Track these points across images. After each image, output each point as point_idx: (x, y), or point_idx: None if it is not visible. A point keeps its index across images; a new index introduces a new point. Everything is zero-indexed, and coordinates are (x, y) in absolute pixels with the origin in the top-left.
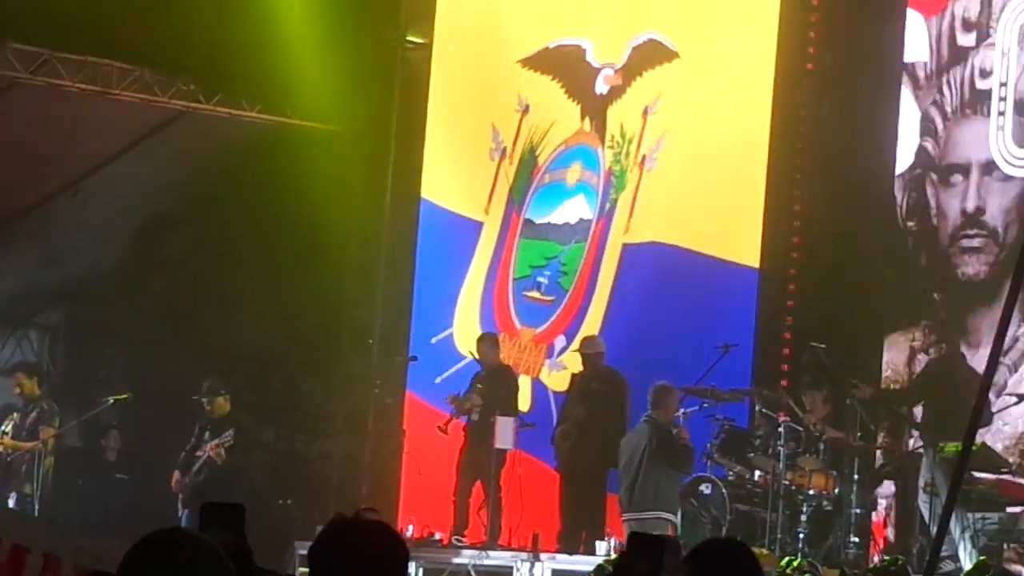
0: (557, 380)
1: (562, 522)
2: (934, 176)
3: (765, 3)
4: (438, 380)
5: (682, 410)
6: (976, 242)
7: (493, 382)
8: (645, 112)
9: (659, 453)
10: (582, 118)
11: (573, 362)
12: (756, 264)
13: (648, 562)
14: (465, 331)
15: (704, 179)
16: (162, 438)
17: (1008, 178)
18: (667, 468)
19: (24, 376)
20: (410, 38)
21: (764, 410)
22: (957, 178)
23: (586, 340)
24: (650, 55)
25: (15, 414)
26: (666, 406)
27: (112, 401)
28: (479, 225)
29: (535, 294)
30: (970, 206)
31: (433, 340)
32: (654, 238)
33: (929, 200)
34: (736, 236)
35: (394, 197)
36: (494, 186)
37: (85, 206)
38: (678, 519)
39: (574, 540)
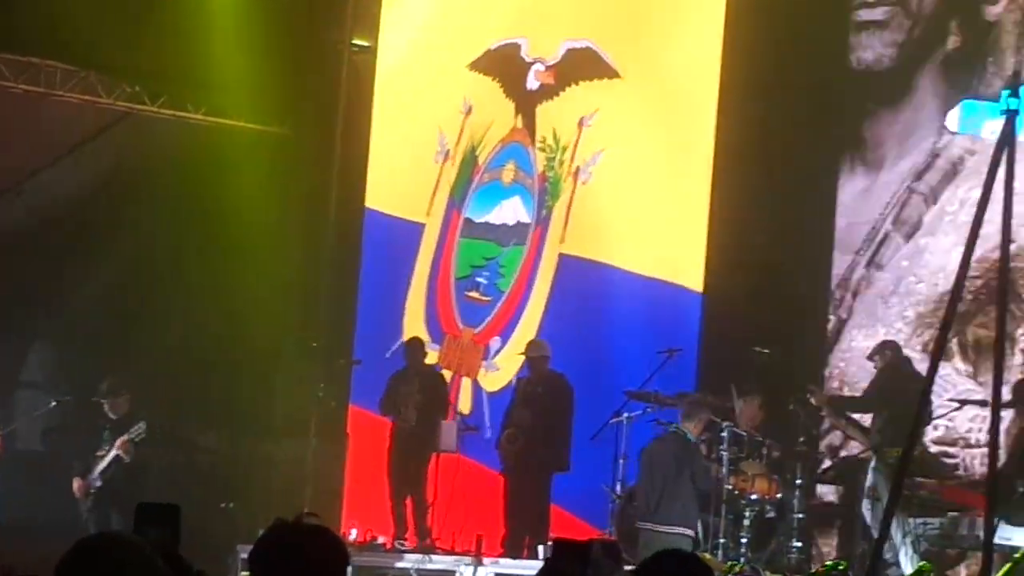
0: (491, 381)
1: (506, 526)
2: None
3: (707, 23)
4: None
5: (626, 414)
6: (879, 12)
7: (427, 384)
8: (581, 123)
9: (686, 468)
10: (515, 115)
11: (507, 363)
12: (699, 287)
13: (572, 568)
14: (414, 334)
15: (645, 200)
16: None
17: None
18: (691, 484)
19: None
20: (355, 41)
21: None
22: None
23: (532, 343)
24: (587, 64)
25: None
26: (697, 419)
27: (55, 404)
28: (421, 227)
29: (474, 294)
30: None
31: (387, 355)
32: (591, 255)
33: None
34: (678, 258)
35: (339, 200)
36: (436, 188)
37: (29, 206)
38: (699, 531)
39: (518, 545)
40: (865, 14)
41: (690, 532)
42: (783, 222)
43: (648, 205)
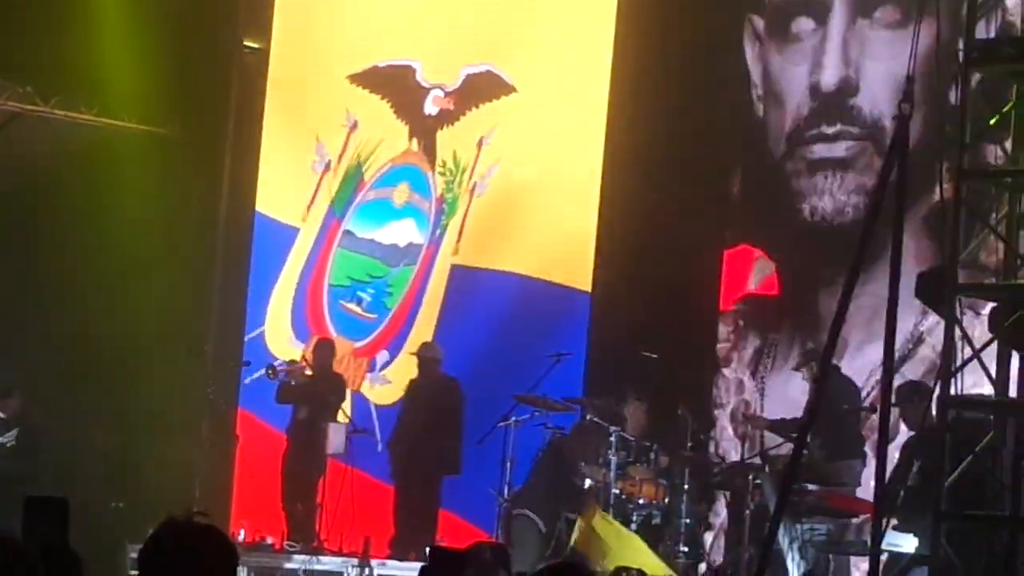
0: (381, 394)
1: (395, 528)
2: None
3: (599, 33)
4: (247, 381)
5: (513, 418)
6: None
7: (325, 388)
8: (480, 143)
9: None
10: (410, 138)
11: (397, 376)
12: (588, 287)
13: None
14: (277, 332)
15: (536, 207)
16: None
17: None
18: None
19: None
20: (247, 42)
21: (595, 419)
22: None
23: (424, 345)
24: (486, 87)
25: None
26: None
27: None
28: (295, 231)
29: (355, 307)
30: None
31: (246, 338)
32: (486, 264)
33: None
34: (568, 260)
35: (229, 203)
36: (315, 196)
37: None
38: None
39: (405, 547)
40: None
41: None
42: (671, 226)
43: (540, 210)
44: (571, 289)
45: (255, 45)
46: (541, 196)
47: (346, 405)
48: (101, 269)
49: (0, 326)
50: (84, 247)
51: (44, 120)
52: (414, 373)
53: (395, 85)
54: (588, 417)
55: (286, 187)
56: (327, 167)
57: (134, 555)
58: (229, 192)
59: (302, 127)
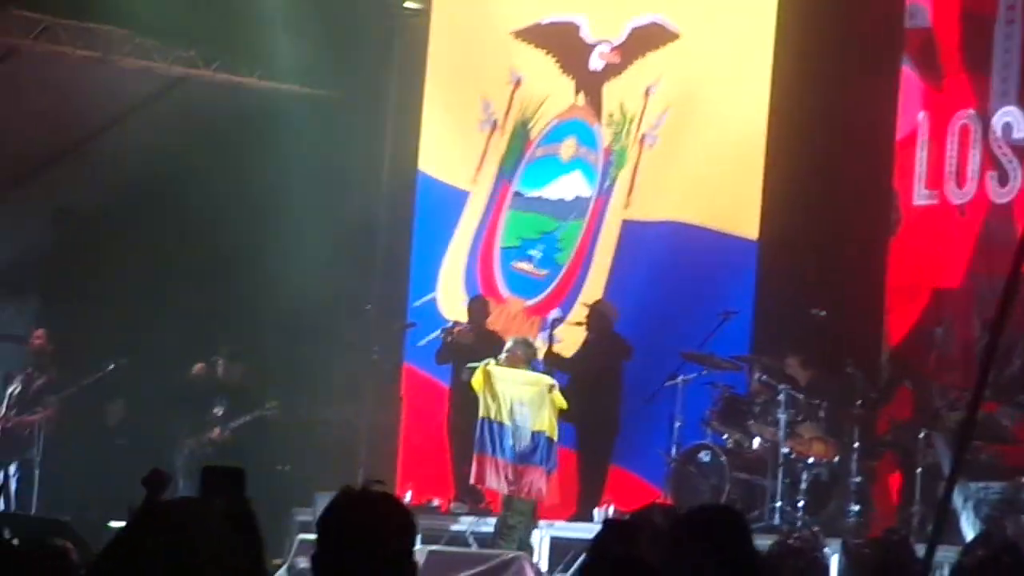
0: (561, 348)
1: (569, 489)
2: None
3: None
4: (422, 343)
5: (681, 376)
6: None
7: (482, 346)
8: (647, 92)
9: None
10: (576, 93)
11: (568, 335)
12: (755, 236)
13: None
14: (449, 296)
15: (704, 154)
16: (163, 404)
17: None
18: None
19: (45, 333)
20: (408, 4)
21: (763, 378)
22: None
23: (598, 303)
24: (652, 37)
25: (17, 380)
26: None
27: (112, 367)
28: (466, 195)
29: (526, 266)
30: None
31: (416, 304)
32: (656, 215)
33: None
34: (736, 209)
35: (391, 165)
36: (483, 157)
37: (86, 172)
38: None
39: (578, 507)
40: None
41: None
42: (839, 174)
43: (707, 157)
44: (738, 238)
45: (416, 6)
46: (708, 142)
47: None
48: (263, 233)
49: (158, 290)
50: (246, 210)
51: (207, 84)
52: (586, 331)
53: (559, 41)
54: (756, 375)
55: (453, 149)
56: (494, 126)
57: (301, 519)
58: (391, 154)
59: (468, 87)
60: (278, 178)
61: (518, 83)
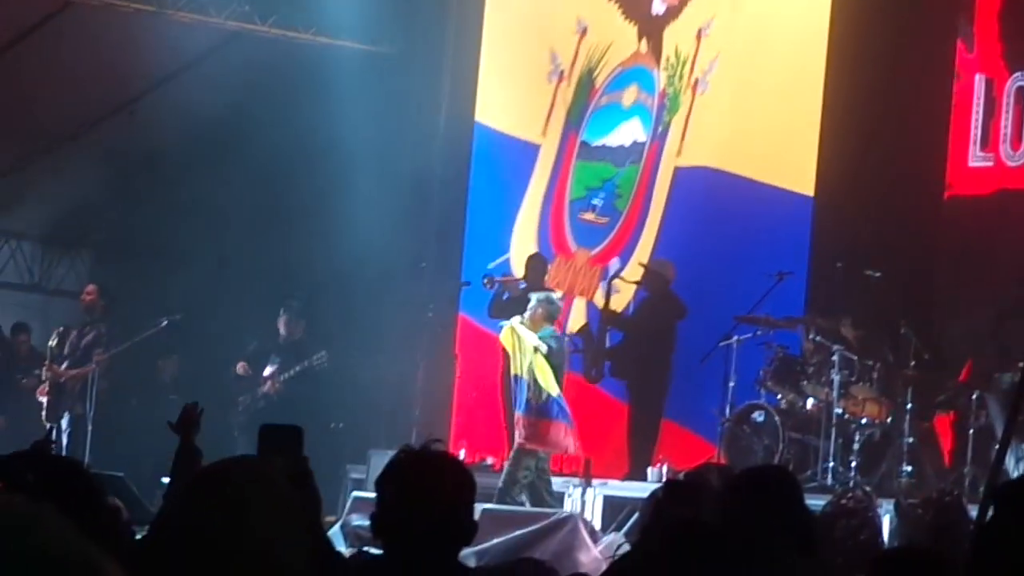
0: (615, 302)
1: (622, 445)
2: None
3: None
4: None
5: (735, 336)
6: None
7: None
8: (699, 34)
9: None
10: (639, 39)
11: (626, 285)
12: (811, 192)
13: (684, 510)
14: (523, 255)
15: (757, 103)
16: (217, 360)
17: None
18: None
19: (96, 288)
20: None
21: (818, 338)
22: None
23: (655, 262)
24: None
25: (72, 334)
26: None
27: (166, 323)
28: (536, 148)
29: (590, 216)
30: None
31: (491, 265)
32: (706, 163)
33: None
34: (790, 162)
35: (448, 119)
36: (551, 109)
37: (140, 126)
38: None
39: (631, 465)
40: None
41: None
42: (898, 129)
43: (762, 108)
44: (793, 193)
45: None
46: (762, 92)
47: (578, 316)
48: (319, 189)
49: (234, 249)
50: (302, 167)
51: (262, 39)
52: (643, 284)
53: None
54: (811, 336)
55: (519, 102)
56: (561, 76)
57: (355, 475)
58: (448, 109)
59: (533, 39)
60: (335, 135)
61: (584, 32)
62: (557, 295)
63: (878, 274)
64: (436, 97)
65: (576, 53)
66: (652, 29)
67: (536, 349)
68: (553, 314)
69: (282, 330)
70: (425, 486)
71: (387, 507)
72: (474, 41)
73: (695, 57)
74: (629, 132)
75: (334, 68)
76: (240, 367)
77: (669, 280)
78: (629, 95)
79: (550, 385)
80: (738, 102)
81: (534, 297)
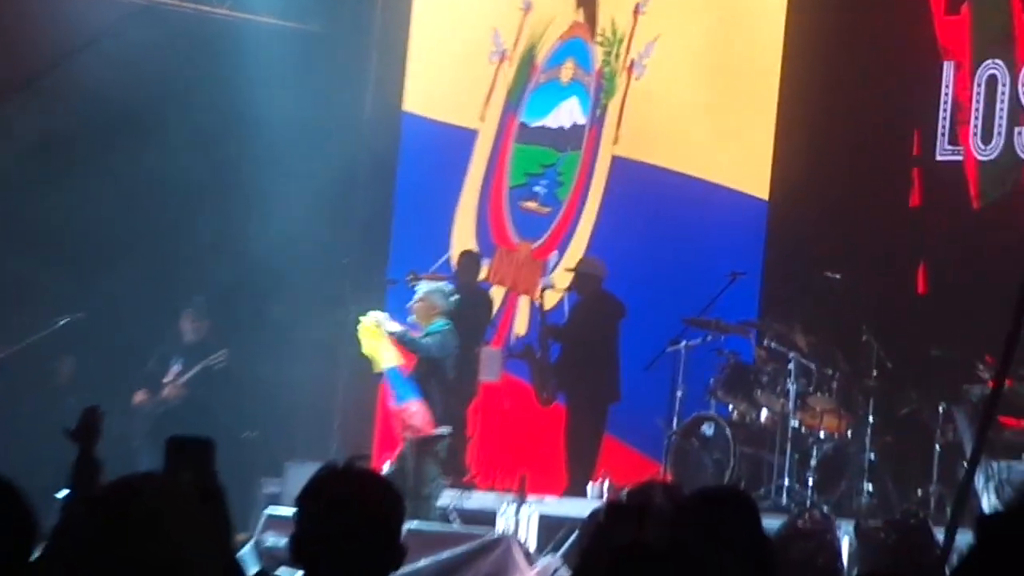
0: (546, 299)
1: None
2: None
3: None
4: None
5: (684, 341)
6: None
7: (469, 304)
8: (636, 10)
9: None
10: (576, 8)
11: (561, 281)
12: (765, 195)
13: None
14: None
15: (703, 96)
16: (118, 362)
17: None
18: None
19: None
20: None
21: (773, 345)
22: None
23: (583, 260)
24: None
25: None
26: None
27: (62, 324)
28: (473, 134)
29: (532, 204)
30: None
31: (431, 269)
32: (647, 158)
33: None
34: (741, 162)
35: (375, 105)
36: (491, 91)
37: (39, 107)
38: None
39: (568, 481)
40: None
41: None
42: (859, 126)
43: (707, 101)
44: (744, 195)
45: None
46: (707, 83)
47: (523, 317)
48: (233, 179)
49: (132, 232)
50: (213, 154)
51: (175, 14)
52: (573, 287)
53: None
54: (765, 342)
55: (455, 86)
56: (503, 56)
57: (269, 490)
58: (375, 94)
59: (472, 18)
60: (252, 120)
61: (529, 8)
62: (449, 287)
63: (838, 276)
64: (363, 80)
65: (520, 31)
66: None
67: (379, 324)
68: (447, 308)
69: (186, 330)
70: (350, 507)
71: (308, 530)
72: (402, 23)
73: (631, 35)
74: (568, 112)
75: (253, 48)
76: (137, 397)
77: (601, 278)
78: (567, 71)
79: (382, 359)
80: (680, 92)
81: (423, 286)
